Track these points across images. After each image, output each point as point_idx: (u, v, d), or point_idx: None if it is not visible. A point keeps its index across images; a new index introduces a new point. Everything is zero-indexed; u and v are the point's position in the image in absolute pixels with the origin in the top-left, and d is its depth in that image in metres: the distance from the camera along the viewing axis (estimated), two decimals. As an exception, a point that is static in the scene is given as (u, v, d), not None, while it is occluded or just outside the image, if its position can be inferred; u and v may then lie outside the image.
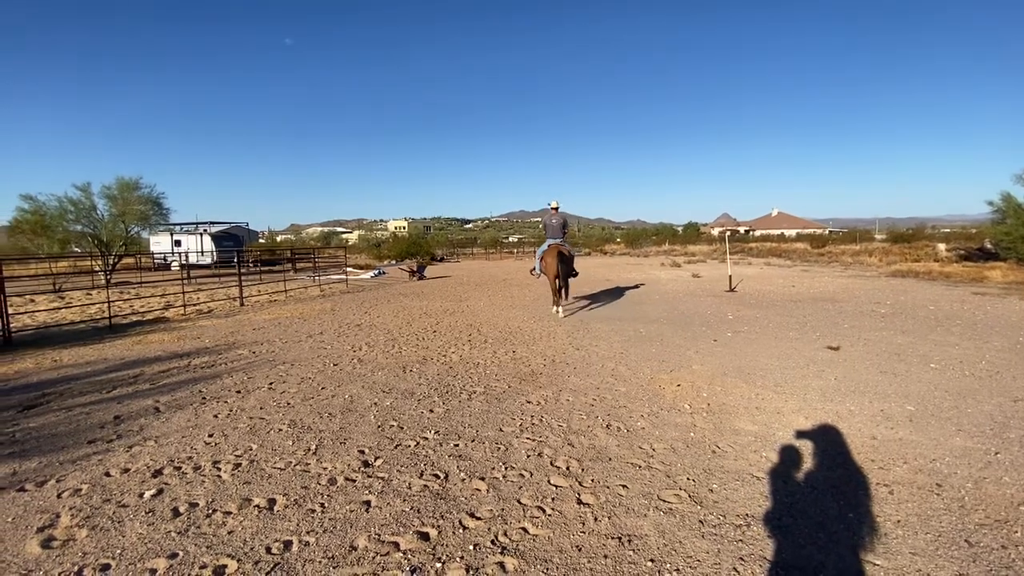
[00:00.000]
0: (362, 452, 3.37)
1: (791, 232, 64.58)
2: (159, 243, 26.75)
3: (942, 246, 23.28)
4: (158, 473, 3.13)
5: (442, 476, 3.00)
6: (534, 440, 3.52)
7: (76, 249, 18.31)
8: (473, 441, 3.53)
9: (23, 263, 20.51)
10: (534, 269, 10.08)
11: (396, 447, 3.45)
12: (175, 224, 26.64)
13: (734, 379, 5.00)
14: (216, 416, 4.18)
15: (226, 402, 4.56)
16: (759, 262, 24.63)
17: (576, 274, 10.21)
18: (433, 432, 3.71)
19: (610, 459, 3.19)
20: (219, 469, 3.16)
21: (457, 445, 3.47)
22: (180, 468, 3.19)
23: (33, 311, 10.03)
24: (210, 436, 3.72)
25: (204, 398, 4.68)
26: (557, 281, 9.12)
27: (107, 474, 3.14)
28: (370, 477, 3.00)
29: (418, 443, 3.51)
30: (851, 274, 16.62)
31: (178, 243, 26.65)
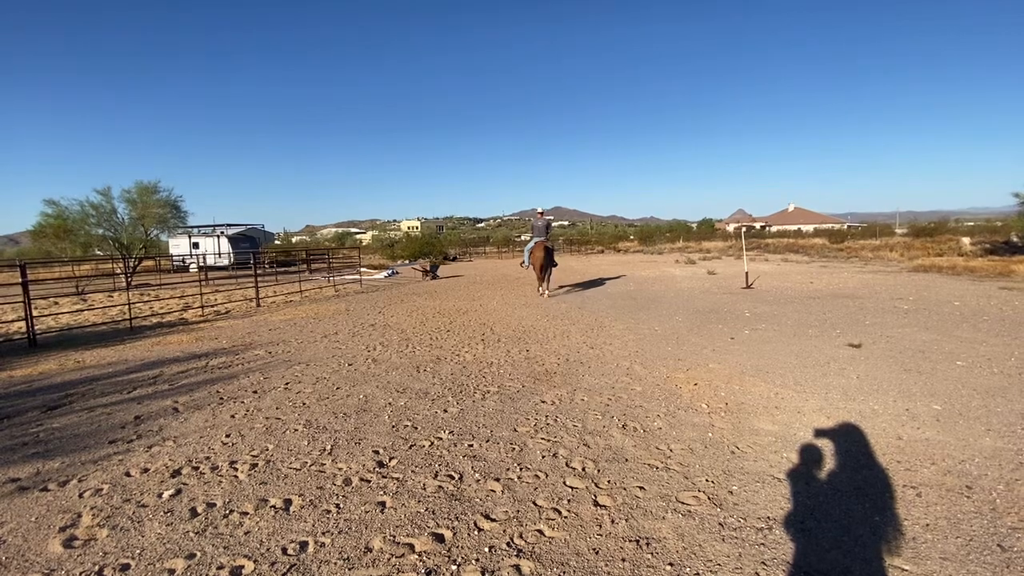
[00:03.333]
0: (377, 452, 3.37)
1: (808, 227, 63.46)
2: (177, 245, 27.22)
3: (966, 240, 22.68)
4: (176, 473, 3.16)
5: (457, 477, 2.98)
6: (549, 440, 3.49)
7: (97, 252, 18.72)
8: (487, 441, 3.51)
9: (47, 266, 21.03)
10: (524, 262, 12.32)
11: (410, 447, 3.45)
12: (193, 227, 27.10)
13: (752, 377, 4.91)
14: (233, 416, 4.22)
15: (243, 402, 4.60)
16: (776, 258, 24.26)
17: (556, 264, 12.60)
18: (447, 432, 3.70)
19: (626, 460, 3.15)
20: (236, 469, 3.19)
21: (471, 445, 3.45)
22: (198, 468, 3.22)
23: (57, 313, 10.26)
24: (227, 436, 3.75)
25: (221, 398, 4.73)
26: (543, 271, 11.51)
27: (127, 474, 3.18)
28: (385, 478, 2.99)
29: (432, 443, 3.50)
30: (872, 270, 16.28)
31: (196, 245, 27.08)
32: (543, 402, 4.34)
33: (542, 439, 3.51)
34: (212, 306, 11.44)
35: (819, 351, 5.88)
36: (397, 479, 2.98)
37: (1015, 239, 21.21)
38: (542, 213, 12.11)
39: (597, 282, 15.07)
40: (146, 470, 3.23)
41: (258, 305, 11.65)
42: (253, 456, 3.38)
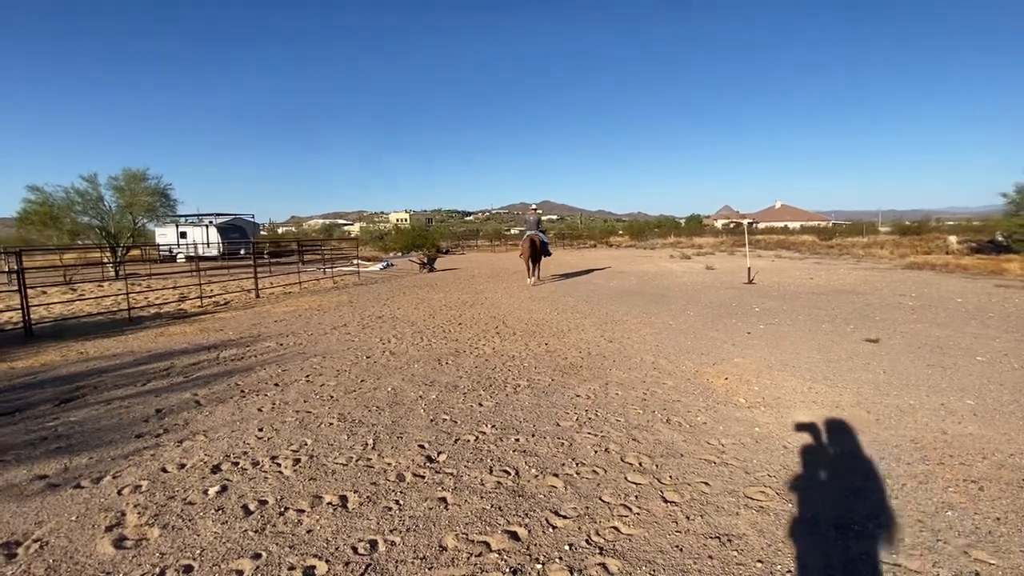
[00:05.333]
0: (422, 447, 3.28)
1: (794, 224, 64.23)
2: (164, 235, 26.57)
3: (953, 239, 23.11)
4: (216, 469, 3.04)
5: (512, 472, 2.90)
6: (596, 435, 3.43)
7: (78, 241, 18.15)
8: (533, 436, 3.43)
9: (28, 255, 20.35)
10: (522, 252, 13.20)
11: (455, 442, 3.36)
12: (180, 216, 26.45)
13: (781, 372, 4.91)
14: (260, 410, 4.09)
15: (266, 395, 4.47)
16: (769, 254, 24.50)
17: (549, 254, 13.87)
18: (489, 427, 3.62)
19: (682, 455, 3.10)
20: (279, 465, 3.07)
21: (518, 440, 3.37)
22: (238, 464, 3.11)
23: (48, 303, 9.91)
24: (260, 431, 3.63)
25: (243, 391, 4.59)
26: (531, 260, 12.71)
27: (164, 470, 3.05)
28: (438, 473, 2.91)
29: (477, 438, 3.42)
30: (866, 266, 16.52)
31: (183, 235, 26.47)
32: (578, 396, 4.28)
33: (588, 433, 3.46)
34: (210, 297, 11.17)
35: (838, 346, 5.91)
36: (451, 474, 2.89)
37: (1000, 238, 21.65)
38: (535, 209, 13.61)
39: (597, 276, 15.05)
40: (183, 465, 3.10)
41: (257, 296, 11.41)
42: (293, 451, 3.27)
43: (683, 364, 5.26)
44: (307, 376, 5.06)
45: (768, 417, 3.72)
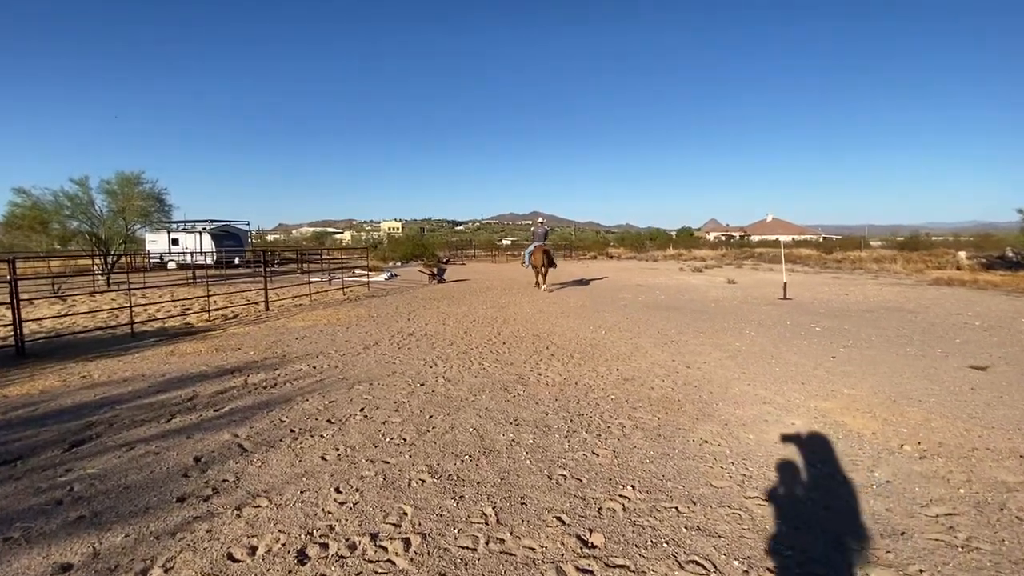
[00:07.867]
0: (562, 521, 2.56)
1: (786, 238, 64.54)
2: (155, 242, 25.48)
3: (962, 254, 23.03)
4: (303, 557, 2.29)
5: (708, 567, 2.20)
6: (770, 504, 2.74)
7: (58, 247, 17.10)
8: (694, 504, 2.73)
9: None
10: (524, 263, 14.34)
11: (599, 512, 2.64)
12: (171, 222, 25.40)
13: (911, 408, 4.27)
14: (324, 458, 3.34)
15: (323, 436, 3.72)
16: (779, 268, 24.14)
17: (555, 265, 14.36)
18: (628, 487, 2.91)
19: (903, 533, 2.43)
20: (384, 549, 2.33)
21: (678, 509, 2.67)
22: (328, 547, 2.36)
23: (38, 317, 8.98)
24: (338, 492, 2.88)
25: (292, 431, 3.83)
26: (543, 269, 13.31)
27: (231, 557, 2.29)
28: (609, 567, 2.19)
29: (624, 508, 2.70)
30: (889, 282, 16.14)
31: (175, 242, 25.39)
32: (704, 442, 3.59)
33: (760, 500, 2.76)
34: (216, 309, 10.30)
35: (945, 373, 5.32)
36: (628, 568, 2.18)
37: (1010, 254, 21.58)
38: (542, 221, 14.51)
39: (618, 289, 14.43)
40: (254, 549, 2.35)
41: (267, 309, 10.56)
42: (393, 525, 2.53)
43: (791, 397, 4.61)
44: (362, 410, 4.31)
45: (955, 473, 3.07)
